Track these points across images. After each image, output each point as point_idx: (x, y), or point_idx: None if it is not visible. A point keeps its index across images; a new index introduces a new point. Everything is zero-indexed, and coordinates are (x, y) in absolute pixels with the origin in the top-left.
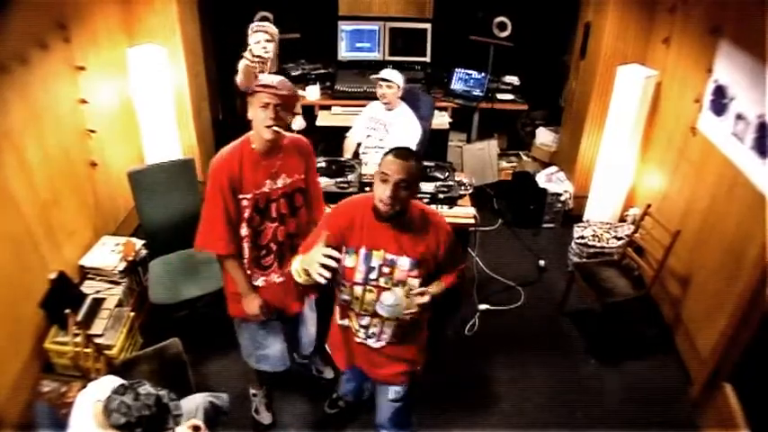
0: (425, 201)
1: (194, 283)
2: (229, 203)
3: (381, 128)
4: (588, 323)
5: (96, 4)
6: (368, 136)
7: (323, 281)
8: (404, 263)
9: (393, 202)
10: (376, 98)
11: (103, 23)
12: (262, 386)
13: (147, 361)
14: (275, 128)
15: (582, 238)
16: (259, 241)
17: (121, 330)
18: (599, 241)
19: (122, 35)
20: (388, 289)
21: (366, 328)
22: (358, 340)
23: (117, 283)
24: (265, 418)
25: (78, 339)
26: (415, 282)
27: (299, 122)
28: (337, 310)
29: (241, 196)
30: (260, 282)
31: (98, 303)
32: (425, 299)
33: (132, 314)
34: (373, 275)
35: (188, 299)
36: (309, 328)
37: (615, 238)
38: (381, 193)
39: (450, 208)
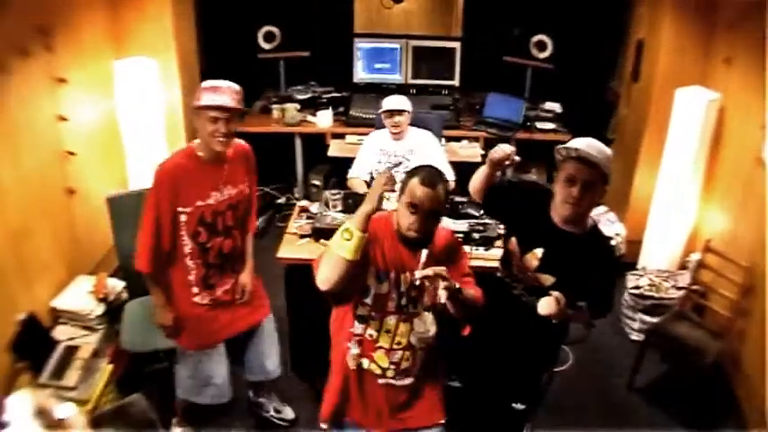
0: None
1: None
2: (163, 218)
3: (399, 159)
4: (671, 394)
5: (83, 8)
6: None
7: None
8: None
9: (423, 232)
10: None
11: (90, 31)
12: (191, 423)
13: (109, 422)
14: (225, 138)
15: (636, 288)
16: (207, 258)
17: (97, 384)
18: (657, 291)
19: (109, 46)
20: (418, 314)
21: (397, 364)
22: (382, 382)
23: (93, 330)
24: None
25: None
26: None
27: None
28: (350, 350)
29: (181, 209)
30: (206, 300)
31: (71, 352)
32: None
33: (110, 366)
34: (404, 301)
35: (164, 348)
36: (272, 346)
37: (675, 287)
38: (410, 223)
39: (487, 249)
